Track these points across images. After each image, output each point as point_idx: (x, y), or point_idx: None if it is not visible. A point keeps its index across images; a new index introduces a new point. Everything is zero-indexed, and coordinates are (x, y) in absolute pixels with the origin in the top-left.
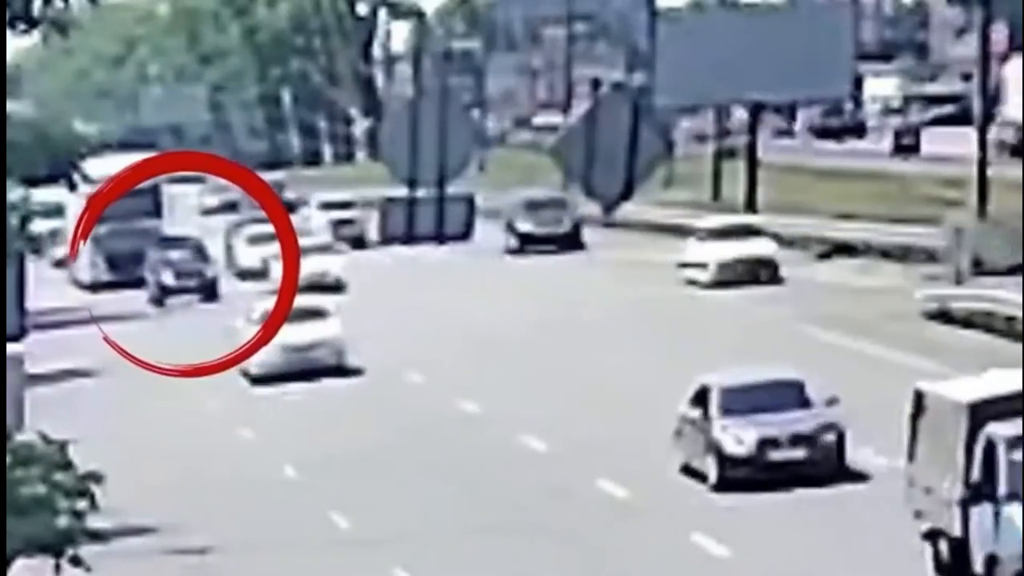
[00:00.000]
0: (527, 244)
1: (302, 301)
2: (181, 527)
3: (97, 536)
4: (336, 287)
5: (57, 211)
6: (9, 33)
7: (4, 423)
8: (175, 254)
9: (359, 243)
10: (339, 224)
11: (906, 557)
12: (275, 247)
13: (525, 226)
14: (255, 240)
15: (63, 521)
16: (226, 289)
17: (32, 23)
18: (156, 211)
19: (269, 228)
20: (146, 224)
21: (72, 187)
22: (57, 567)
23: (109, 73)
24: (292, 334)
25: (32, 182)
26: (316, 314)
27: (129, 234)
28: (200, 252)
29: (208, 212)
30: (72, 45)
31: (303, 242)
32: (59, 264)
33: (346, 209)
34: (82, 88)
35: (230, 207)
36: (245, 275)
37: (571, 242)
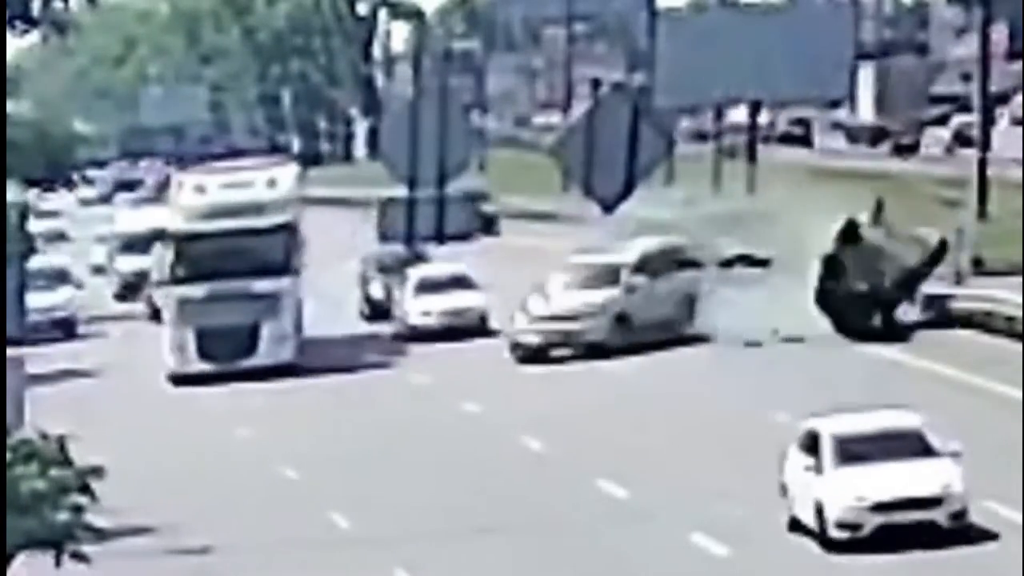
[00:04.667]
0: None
1: None
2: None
3: (100, 533)
4: None
5: (146, 242)
6: (9, 33)
7: (4, 422)
8: None
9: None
10: None
11: None
12: (452, 299)
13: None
14: (424, 288)
15: (63, 516)
16: None
17: (32, 23)
18: (286, 262)
19: (444, 269)
20: (267, 286)
21: (70, 188)
22: (57, 562)
23: (109, 73)
24: None
25: (32, 183)
26: None
27: (238, 299)
28: None
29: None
30: (72, 45)
31: None
32: (156, 315)
33: None
34: (82, 88)
35: None
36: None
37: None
